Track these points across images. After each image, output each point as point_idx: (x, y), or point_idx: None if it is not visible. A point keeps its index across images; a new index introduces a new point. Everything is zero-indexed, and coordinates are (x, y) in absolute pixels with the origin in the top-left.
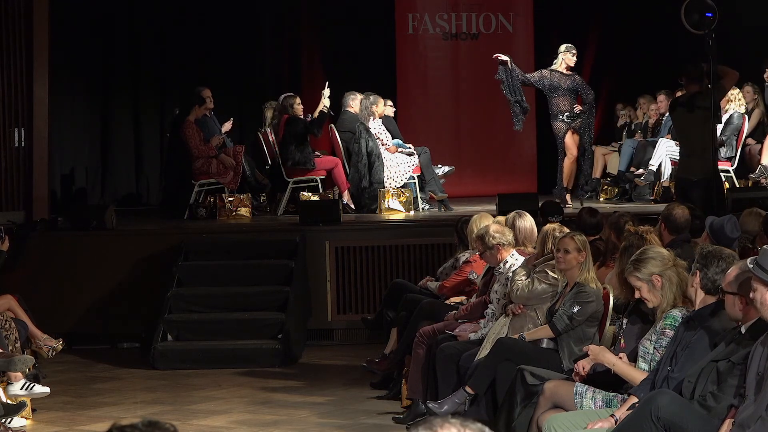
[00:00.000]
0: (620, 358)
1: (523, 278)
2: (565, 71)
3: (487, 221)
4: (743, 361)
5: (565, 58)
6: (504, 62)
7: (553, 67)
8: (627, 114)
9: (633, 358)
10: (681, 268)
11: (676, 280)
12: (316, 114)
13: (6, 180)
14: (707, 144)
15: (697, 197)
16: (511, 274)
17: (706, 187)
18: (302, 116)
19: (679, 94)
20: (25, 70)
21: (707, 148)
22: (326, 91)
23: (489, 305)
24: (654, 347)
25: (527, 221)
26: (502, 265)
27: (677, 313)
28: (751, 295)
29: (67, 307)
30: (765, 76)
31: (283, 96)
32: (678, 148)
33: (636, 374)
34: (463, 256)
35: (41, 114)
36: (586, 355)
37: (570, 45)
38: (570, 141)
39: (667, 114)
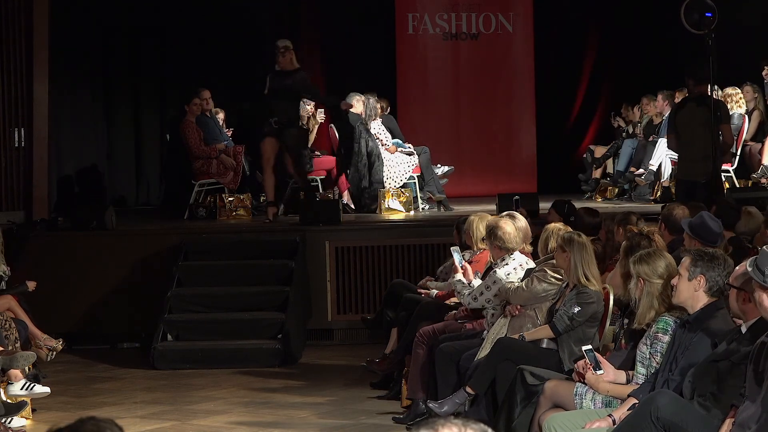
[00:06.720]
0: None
1: (519, 279)
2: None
3: (486, 221)
4: (743, 361)
5: None
6: None
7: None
8: (626, 117)
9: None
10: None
11: (656, 294)
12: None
13: (6, 180)
14: (716, 145)
15: (703, 199)
16: (497, 271)
17: (713, 188)
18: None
19: (678, 94)
20: (25, 70)
21: (716, 149)
22: (320, 117)
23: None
24: (650, 351)
25: (521, 222)
26: (499, 261)
27: (669, 318)
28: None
29: (67, 307)
30: (764, 73)
31: None
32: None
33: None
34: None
35: (41, 114)
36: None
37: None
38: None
39: (668, 114)
